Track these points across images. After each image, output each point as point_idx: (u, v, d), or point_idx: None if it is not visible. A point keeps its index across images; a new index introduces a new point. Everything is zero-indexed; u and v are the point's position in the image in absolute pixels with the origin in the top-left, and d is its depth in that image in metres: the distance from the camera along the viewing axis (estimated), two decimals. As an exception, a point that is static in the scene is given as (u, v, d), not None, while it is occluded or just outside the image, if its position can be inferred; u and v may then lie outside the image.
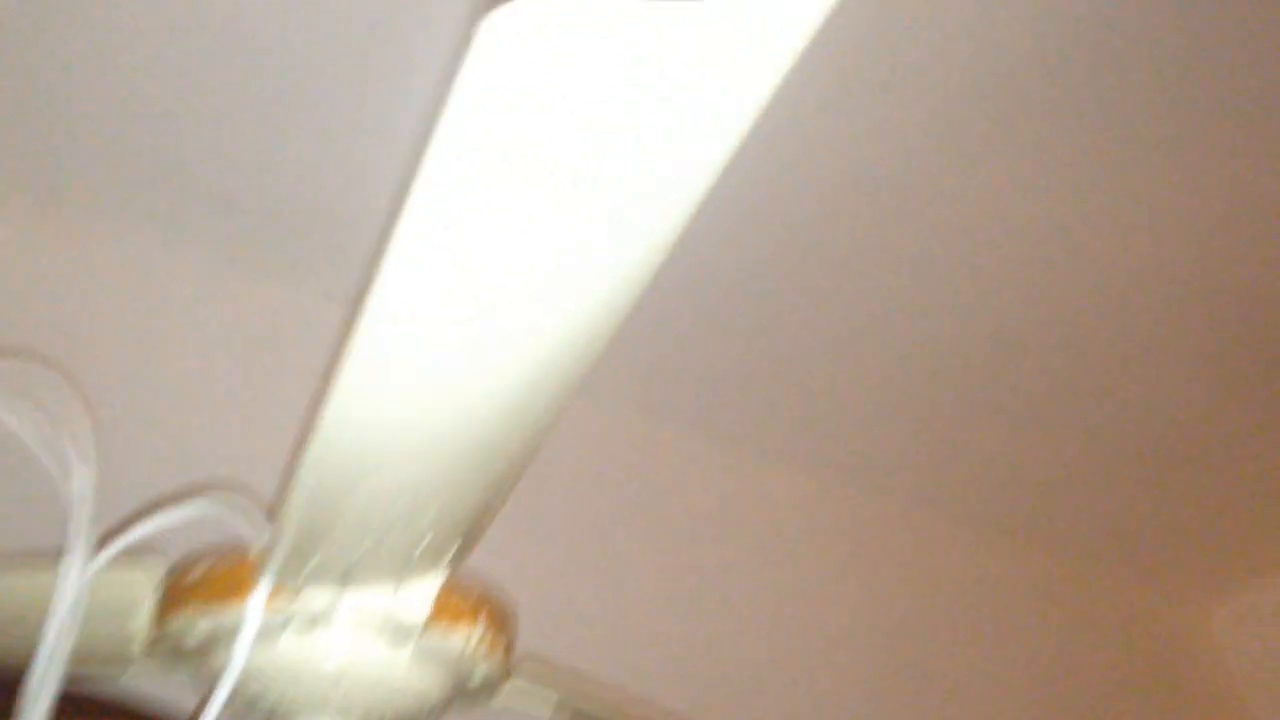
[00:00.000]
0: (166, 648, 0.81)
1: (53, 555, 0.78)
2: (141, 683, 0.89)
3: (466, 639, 0.79)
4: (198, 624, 0.78)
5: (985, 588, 1.94)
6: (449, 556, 0.77)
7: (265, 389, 1.21)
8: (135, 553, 0.81)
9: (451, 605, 0.79)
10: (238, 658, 0.71)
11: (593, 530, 1.52)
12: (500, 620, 0.82)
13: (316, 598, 0.76)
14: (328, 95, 1.13)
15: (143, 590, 0.82)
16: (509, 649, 0.83)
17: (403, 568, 0.75)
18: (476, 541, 0.80)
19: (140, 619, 0.82)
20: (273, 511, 0.75)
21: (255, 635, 0.75)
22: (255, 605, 0.75)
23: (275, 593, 0.76)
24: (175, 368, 1.20)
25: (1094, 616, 2.07)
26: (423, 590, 0.77)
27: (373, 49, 1.08)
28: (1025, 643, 1.93)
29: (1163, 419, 1.78)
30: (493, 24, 0.36)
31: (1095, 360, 1.63)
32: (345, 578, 0.75)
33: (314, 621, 0.77)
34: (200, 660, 0.79)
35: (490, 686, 0.84)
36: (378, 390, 0.57)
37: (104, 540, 0.81)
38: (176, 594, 0.79)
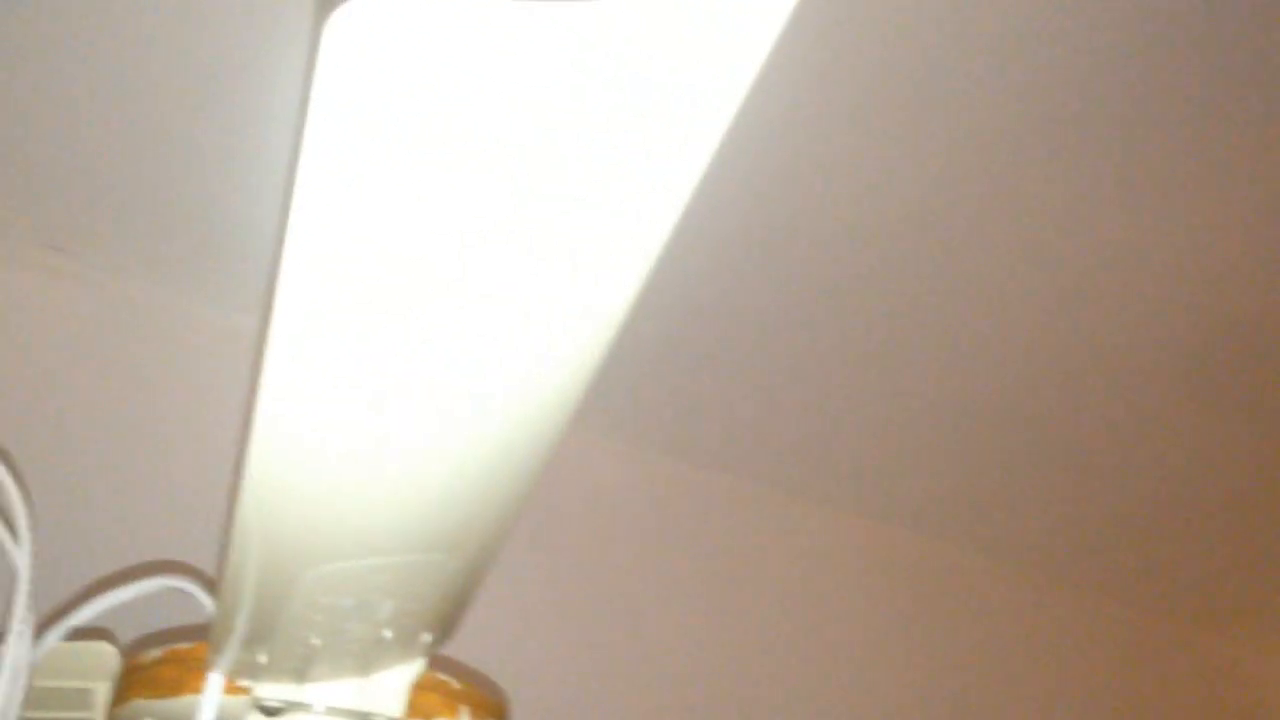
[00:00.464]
0: (123, 736, 0.74)
1: (-1, 633, 0.72)
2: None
3: (446, 737, 0.71)
4: (150, 715, 0.71)
5: (1048, 637, 1.84)
6: (420, 648, 0.68)
7: (209, 438, 1.15)
8: (84, 634, 0.75)
9: (428, 701, 0.70)
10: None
11: (614, 578, 1.43)
12: (485, 714, 0.73)
13: (273, 690, 0.68)
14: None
15: (95, 676, 0.75)
16: (496, 747, 0.75)
17: (366, 662, 0.67)
18: (453, 630, 0.71)
19: (95, 706, 0.76)
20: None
21: (211, 729, 0.68)
22: (208, 702, 0.68)
23: (230, 684, 0.68)
24: (107, 418, 1.14)
25: (1169, 667, 1.96)
26: (393, 684, 0.69)
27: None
28: (1094, 695, 1.83)
29: (1231, 460, 1.67)
30: (334, 25, 0.28)
31: (1160, 398, 1.52)
32: (301, 673, 0.67)
33: (277, 712, 0.69)
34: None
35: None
36: (289, 472, 0.49)
37: (52, 619, 0.75)
38: (129, 683, 0.72)
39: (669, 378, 1.43)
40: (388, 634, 0.64)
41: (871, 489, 1.68)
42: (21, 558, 0.71)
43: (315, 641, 0.63)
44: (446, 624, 0.69)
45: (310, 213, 0.34)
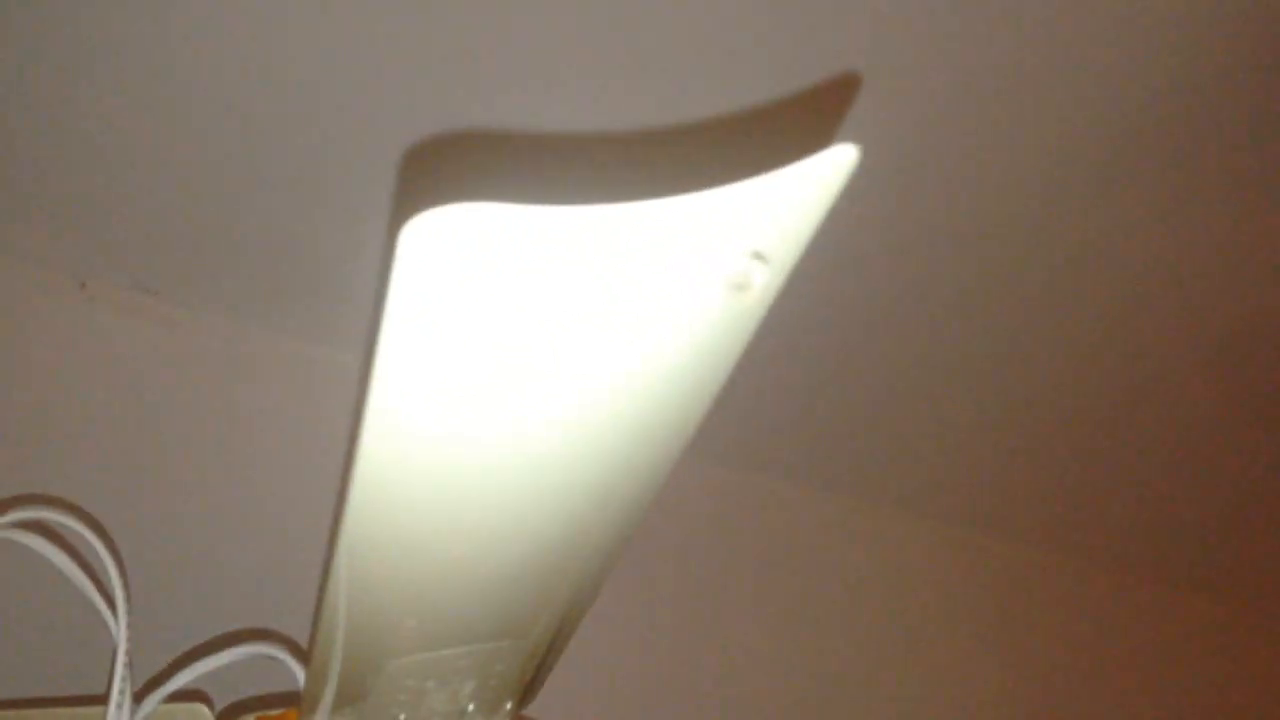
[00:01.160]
0: (219, 800, 0.77)
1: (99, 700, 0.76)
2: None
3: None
4: (244, 780, 0.74)
5: (1135, 637, 1.80)
6: (502, 713, 0.70)
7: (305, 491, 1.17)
8: (180, 697, 0.78)
9: (511, 764, 0.72)
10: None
11: (686, 595, 1.44)
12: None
13: (363, 758, 0.70)
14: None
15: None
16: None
17: (450, 730, 0.69)
18: (535, 693, 0.73)
19: (191, 768, 0.79)
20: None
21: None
22: (298, 768, 0.70)
23: (320, 751, 0.71)
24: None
25: (1262, 665, 1.91)
26: (477, 749, 0.71)
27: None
28: (1183, 696, 1.79)
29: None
30: (413, 229, 0.29)
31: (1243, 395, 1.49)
32: (388, 742, 0.69)
33: (366, 779, 0.72)
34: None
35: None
36: (374, 569, 0.51)
37: (149, 686, 0.78)
38: (223, 748, 0.75)
39: (737, 388, 1.43)
40: (470, 707, 0.66)
41: (948, 493, 1.67)
42: (120, 629, 0.75)
43: (401, 716, 0.66)
44: (529, 691, 0.71)
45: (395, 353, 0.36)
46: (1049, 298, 1.31)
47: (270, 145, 1.06)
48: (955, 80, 1.02)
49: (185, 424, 1.17)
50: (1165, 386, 1.49)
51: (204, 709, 0.77)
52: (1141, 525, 1.77)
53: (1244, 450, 1.62)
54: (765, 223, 0.30)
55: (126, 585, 0.74)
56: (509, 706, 0.70)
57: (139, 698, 0.77)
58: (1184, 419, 1.55)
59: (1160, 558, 1.83)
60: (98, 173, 1.09)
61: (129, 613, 0.74)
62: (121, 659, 0.74)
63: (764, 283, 0.31)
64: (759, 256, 0.30)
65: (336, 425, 1.15)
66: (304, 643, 0.89)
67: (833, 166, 0.29)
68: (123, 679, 0.73)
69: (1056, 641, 1.72)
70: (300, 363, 1.24)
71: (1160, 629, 1.84)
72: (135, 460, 1.13)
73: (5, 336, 1.13)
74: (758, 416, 1.49)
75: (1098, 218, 1.19)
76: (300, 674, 0.77)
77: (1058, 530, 1.76)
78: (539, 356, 0.34)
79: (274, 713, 0.73)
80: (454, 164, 1.05)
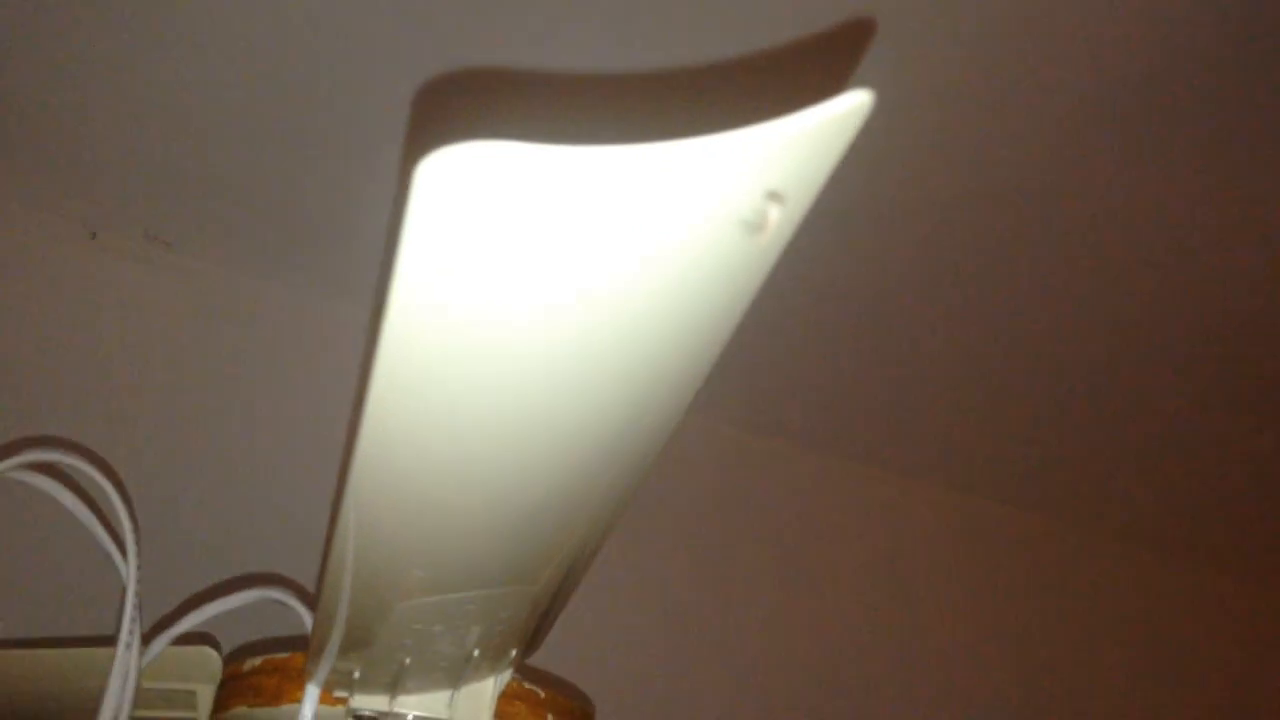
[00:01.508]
0: (227, 739, 0.79)
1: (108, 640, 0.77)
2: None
3: (533, 744, 0.74)
4: (253, 720, 0.75)
5: (1157, 614, 1.82)
6: (507, 660, 0.71)
7: (315, 439, 1.17)
8: (188, 639, 0.79)
9: (515, 710, 0.74)
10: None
11: (695, 558, 1.45)
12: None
13: (367, 701, 0.72)
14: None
15: (200, 679, 0.80)
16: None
17: (455, 676, 0.70)
18: (540, 642, 0.74)
19: (199, 709, 0.80)
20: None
21: (311, 735, 0.72)
22: (306, 712, 0.72)
23: (326, 695, 0.72)
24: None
25: (1268, 637, 1.92)
26: (481, 695, 0.72)
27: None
28: (1187, 664, 1.81)
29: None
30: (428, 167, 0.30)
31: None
32: (393, 686, 0.70)
33: (372, 720, 0.73)
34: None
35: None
36: (381, 516, 0.51)
37: (157, 628, 0.80)
38: (231, 690, 0.76)
39: (750, 353, 1.43)
40: (476, 653, 0.67)
41: (956, 460, 1.68)
42: (129, 571, 0.76)
43: (406, 660, 0.67)
44: (534, 639, 0.72)
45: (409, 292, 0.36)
46: (1060, 263, 1.31)
47: (282, 97, 1.06)
48: (973, 29, 1.01)
49: (195, 370, 1.18)
50: (1172, 357, 1.49)
51: (212, 651, 0.79)
52: (1146, 498, 1.77)
53: (1248, 426, 1.62)
54: (780, 165, 0.30)
55: (136, 528, 0.75)
56: (514, 653, 0.71)
57: (147, 639, 0.78)
58: (1189, 393, 1.55)
59: (1161, 528, 1.84)
60: (109, 123, 1.09)
61: (138, 555, 0.75)
62: (131, 601, 0.75)
63: (778, 222, 0.32)
64: (774, 197, 0.31)
65: (345, 373, 1.16)
66: (311, 587, 0.90)
67: (847, 111, 0.29)
68: (131, 620, 0.74)
69: (1058, 605, 1.74)
70: (310, 312, 1.25)
71: (1155, 597, 1.85)
72: (146, 406, 1.14)
73: (18, 285, 1.14)
74: (767, 381, 1.50)
75: (1120, 176, 1.19)
76: (308, 618, 0.78)
77: (1062, 498, 1.77)
78: (550, 301, 0.34)
79: (281, 655, 0.74)
80: (466, 104, 1.05)
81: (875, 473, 1.66)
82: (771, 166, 0.30)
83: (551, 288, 0.33)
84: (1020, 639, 1.67)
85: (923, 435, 1.64)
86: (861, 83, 0.31)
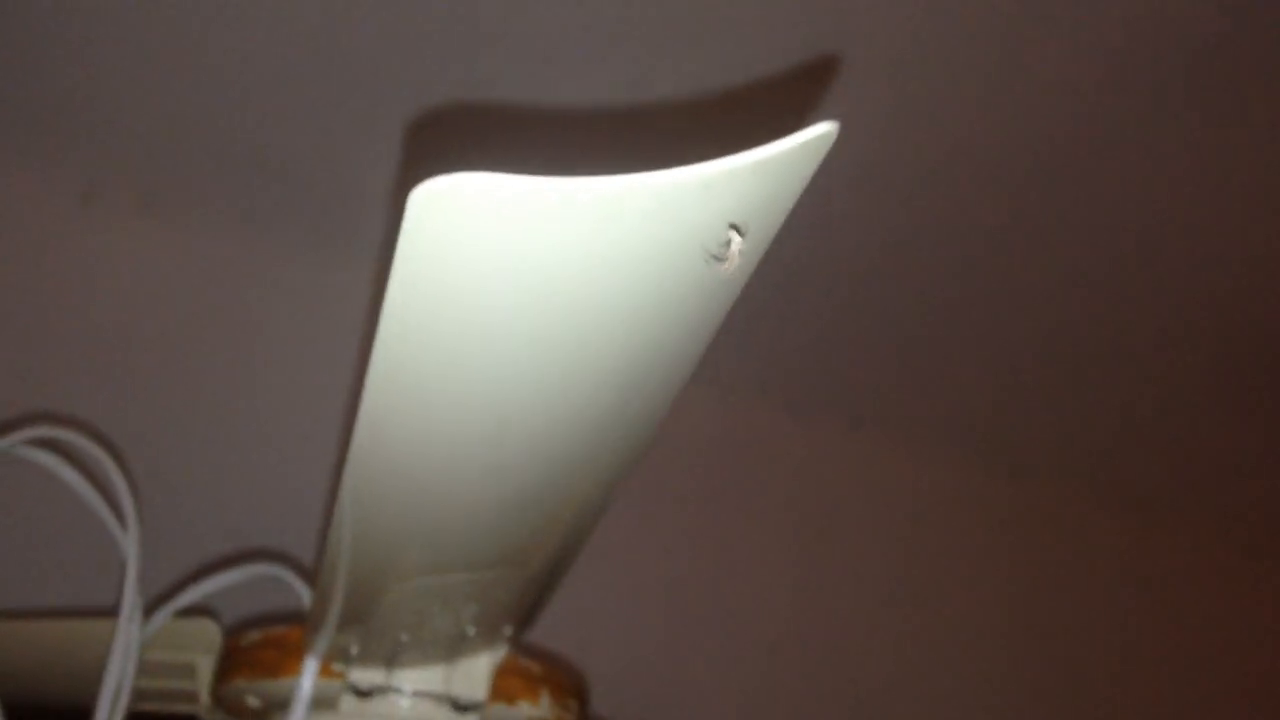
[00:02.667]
0: (226, 710, 0.83)
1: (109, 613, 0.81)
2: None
3: (529, 717, 0.78)
4: (251, 694, 0.79)
5: (1157, 582, 1.84)
6: (502, 637, 0.75)
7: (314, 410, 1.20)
8: (188, 613, 0.83)
9: (510, 684, 0.77)
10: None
11: (701, 530, 1.48)
12: (564, 695, 0.80)
13: (366, 675, 0.75)
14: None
15: (200, 650, 0.83)
16: (578, 721, 0.82)
17: (452, 652, 0.74)
18: (535, 619, 0.78)
19: (199, 681, 0.84)
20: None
21: (309, 707, 0.76)
22: (305, 685, 0.75)
23: (324, 668, 0.76)
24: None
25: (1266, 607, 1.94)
26: (477, 670, 0.76)
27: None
28: (1193, 634, 1.83)
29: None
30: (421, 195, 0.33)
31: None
32: (391, 661, 0.74)
33: (369, 694, 0.77)
34: (263, 720, 0.80)
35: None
36: (379, 499, 0.55)
37: (158, 601, 0.84)
38: (230, 664, 0.80)
39: (760, 323, 1.46)
40: (471, 630, 0.71)
41: (966, 434, 1.70)
42: (130, 545, 0.79)
43: (403, 637, 0.71)
44: (529, 616, 0.76)
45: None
46: (1051, 233, 1.33)
47: (276, 59, 1.08)
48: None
49: (192, 341, 1.20)
50: (1168, 331, 1.51)
51: (212, 624, 0.82)
52: (1158, 463, 1.79)
53: (1246, 400, 1.64)
54: (745, 198, 0.33)
55: (137, 502, 0.79)
56: (509, 630, 0.75)
57: (148, 612, 0.81)
58: (1189, 364, 1.57)
59: (1172, 495, 1.86)
60: (101, 85, 1.11)
61: (139, 528, 0.79)
62: (132, 574, 0.78)
63: (742, 252, 0.35)
64: (738, 229, 0.34)
65: (345, 343, 1.19)
66: (310, 563, 0.94)
67: (811, 144, 0.33)
68: (133, 593, 0.78)
69: (1060, 572, 1.75)
70: (308, 280, 1.27)
71: (1157, 561, 1.86)
72: (144, 378, 1.17)
73: (9, 250, 1.17)
74: (764, 347, 1.52)
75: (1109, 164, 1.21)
76: (306, 594, 0.82)
77: (1064, 466, 1.78)
78: (532, 318, 0.37)
79: (280, 629, 0.78)
80: (452, 134, 1.08)
81: (881, 442, 1.68)
82: (734, 200, 0.33)
83: (529, 305, 0.36)
84: (1015, 601, 1.69)
85: (933, 405, 1.66)
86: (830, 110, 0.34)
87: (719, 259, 0.34)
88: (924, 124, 1.17)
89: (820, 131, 0.32)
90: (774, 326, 1.47)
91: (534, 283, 0.35)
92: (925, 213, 1.30)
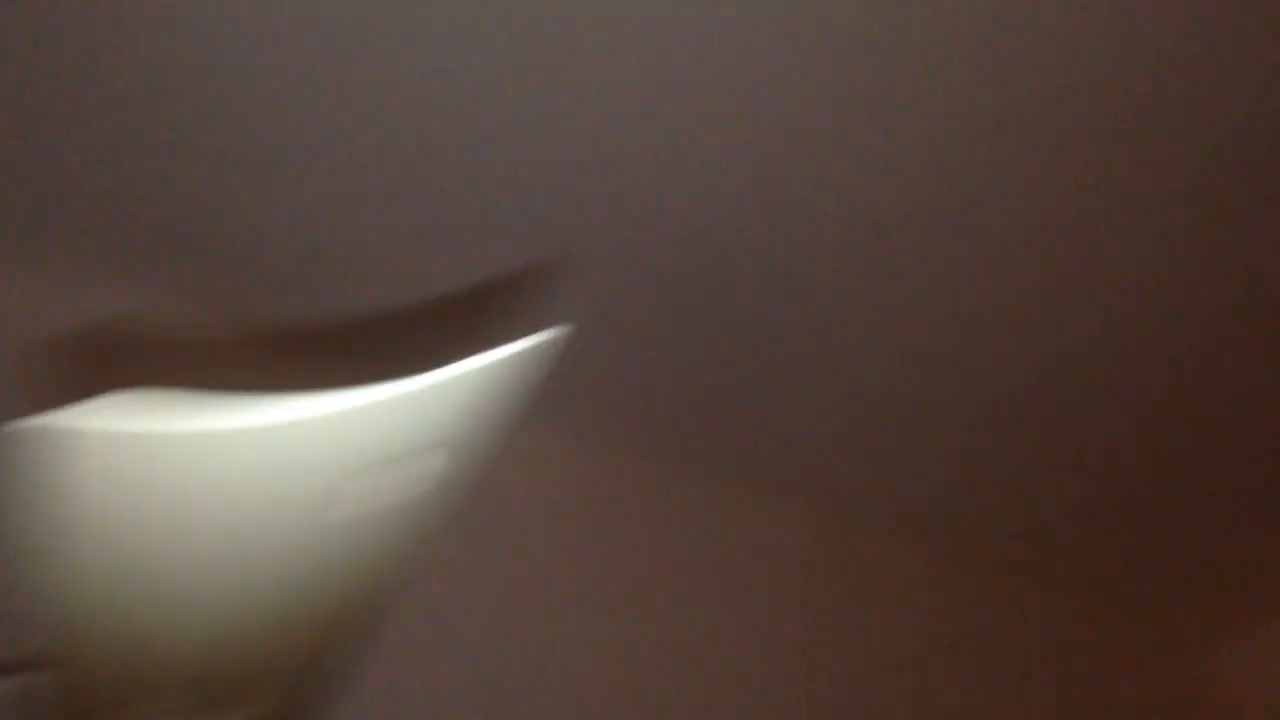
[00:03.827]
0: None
1: None
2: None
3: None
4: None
5: (986, 633, 1.88)
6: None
7: None
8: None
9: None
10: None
11: (578, 581, 1.47)
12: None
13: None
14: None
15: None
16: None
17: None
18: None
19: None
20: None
21: None
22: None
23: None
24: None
25: (1099, 661, 2.02)
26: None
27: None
28: (1029, 693, 1.89)
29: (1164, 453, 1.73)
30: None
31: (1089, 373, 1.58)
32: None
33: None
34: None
35: None
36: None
37: None
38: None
39: (635, 377, 1.45)
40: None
41: (837, 486, 1.72)
42: None
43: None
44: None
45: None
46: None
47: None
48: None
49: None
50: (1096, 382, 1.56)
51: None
52: (993, 519, 1.84)
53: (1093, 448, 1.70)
54: (451, 413, 0.33)
55: None
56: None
57: None
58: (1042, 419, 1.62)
59: (1006, 551, 1.91)
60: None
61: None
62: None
63: (444, 471, 0.34)
64: (442, 446, 0.33)
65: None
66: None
67: (523, 355, 0.32)
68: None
69: (904, 629, 1.77)
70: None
71: (1002, 623, 1.91)
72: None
73: None
74: (650, 407, 1.51)
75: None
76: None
77: (936, 528, 1.82)
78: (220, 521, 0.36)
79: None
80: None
81: (748, 494, 1.68)
82: (443, 414, 0.32)
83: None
84: (870, 662, 1.71)
85: (799, 459, 1.68)
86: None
87: (423, 478, 0.33)
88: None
89: (529, 343, 0.32)
90: (638, 377, 1.46)
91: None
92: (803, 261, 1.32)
